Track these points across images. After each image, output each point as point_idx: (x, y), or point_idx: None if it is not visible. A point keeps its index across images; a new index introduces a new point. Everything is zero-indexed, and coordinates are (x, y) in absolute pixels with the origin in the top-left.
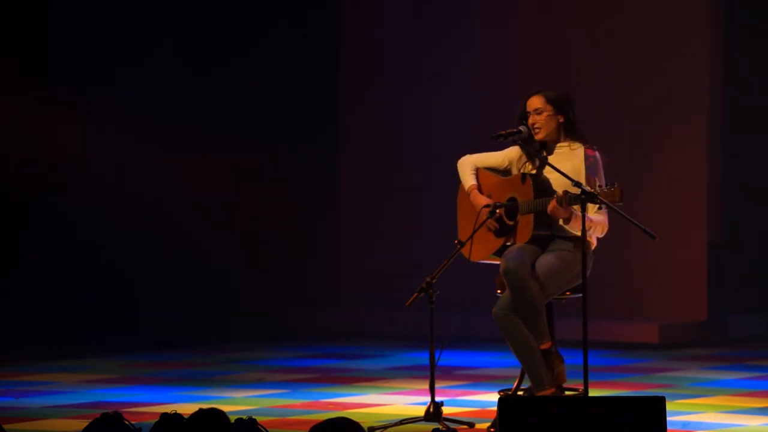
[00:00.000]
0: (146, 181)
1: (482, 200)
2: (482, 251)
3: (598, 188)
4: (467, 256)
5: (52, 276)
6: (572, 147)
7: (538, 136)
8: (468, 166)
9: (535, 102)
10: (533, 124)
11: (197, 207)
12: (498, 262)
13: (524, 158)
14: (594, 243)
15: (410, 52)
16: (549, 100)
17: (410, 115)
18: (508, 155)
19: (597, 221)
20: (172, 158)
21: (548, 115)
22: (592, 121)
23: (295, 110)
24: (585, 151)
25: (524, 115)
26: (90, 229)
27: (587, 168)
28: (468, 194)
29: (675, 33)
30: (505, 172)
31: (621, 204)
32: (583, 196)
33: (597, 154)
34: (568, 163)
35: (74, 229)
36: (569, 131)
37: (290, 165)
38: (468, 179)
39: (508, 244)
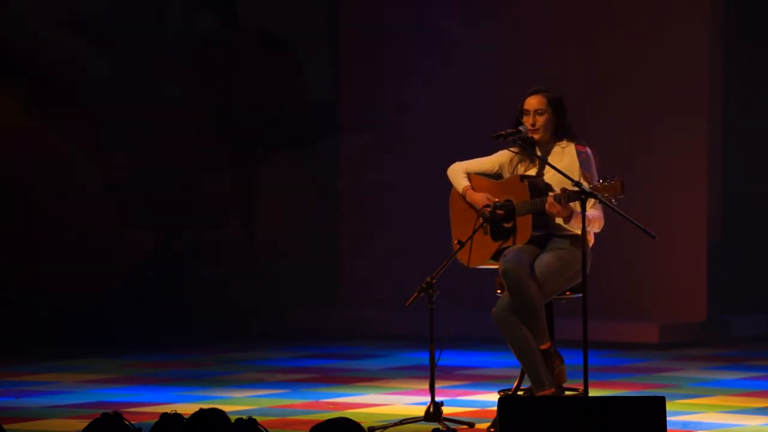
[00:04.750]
0: (145, 181)
1: (480, 198)
2: (479, 257)
3: (597, 182)
4: (465, 263)
5: (51, 274)
6: (562, 145)
7: (537, 137)
8: (459, 171)
9: (536, 102)
10: (533, 125)
11: (197, 206)
12: (496, 266)
13: (516, 160)
14: (592, 240)
15: (410, 52)
16: (550, 102)
17: (410, 116)
18: (499, 159)
19: (594, 217)
20: (173, 159)
21: (548, 117)
22: (591, 121)
23: (295, 109)
24: (576, 148)
25: (522, 113)
26: (90, 228)
27: (581, 164)
28: (463, 196)
29: (675, 32)
30: (495, 176)
31: (622, 196)
32: (583, 196)
33: (588, 150)
34: (561, 161)
35: (74, 227)
36: (562, 132)
37: (290, 165)
38: (461, 182)
39: (505, 246)
